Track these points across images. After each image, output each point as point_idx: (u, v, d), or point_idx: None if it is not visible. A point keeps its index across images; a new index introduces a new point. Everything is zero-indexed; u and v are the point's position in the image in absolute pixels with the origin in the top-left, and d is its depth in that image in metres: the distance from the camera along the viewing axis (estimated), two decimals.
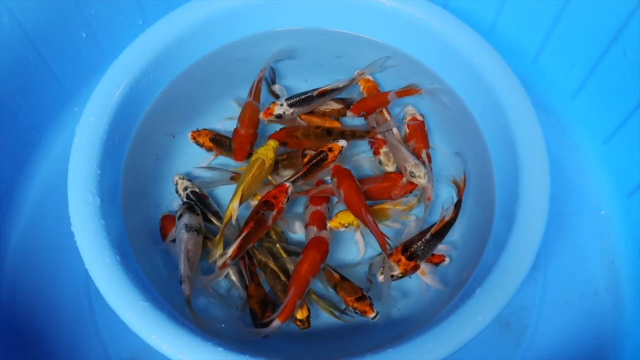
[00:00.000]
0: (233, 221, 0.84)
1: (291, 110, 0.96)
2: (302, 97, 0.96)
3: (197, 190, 0.93)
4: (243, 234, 0.81)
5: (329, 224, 0.90)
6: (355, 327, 0.81)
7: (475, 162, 0.94)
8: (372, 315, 0.81)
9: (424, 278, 0.87)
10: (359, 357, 0.68)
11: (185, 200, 0.92)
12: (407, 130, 0.98)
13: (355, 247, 0.93)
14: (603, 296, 0.95)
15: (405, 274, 0.84)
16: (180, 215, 0.87)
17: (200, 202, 0.92)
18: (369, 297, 0.83)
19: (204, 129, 0.98)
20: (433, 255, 0.88)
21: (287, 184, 0.86)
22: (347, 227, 0.90)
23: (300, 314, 0.82)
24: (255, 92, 0.96)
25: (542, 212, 0.77)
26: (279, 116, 0.96)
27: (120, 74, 0.85)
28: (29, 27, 0.93)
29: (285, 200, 0.85)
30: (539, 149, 0.81)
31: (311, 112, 1.00)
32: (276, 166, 0.94)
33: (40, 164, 1.02)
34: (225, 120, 1.01)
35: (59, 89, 1.04)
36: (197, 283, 0.82)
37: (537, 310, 0.93)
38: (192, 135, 0.98)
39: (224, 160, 0.99)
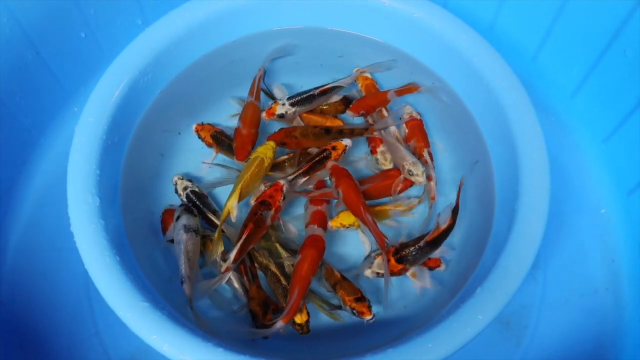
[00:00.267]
0: (233, 219, 0.84)
1: (293, 109, 0.96)
2: (304, 95, 0.96)
3: (197, 189, 0.93)
4: (243, 237, 0.81)
5: (330, 224, 0.90)
6: (356, 327, 0.81)
7: (474, 161, 0.94)
8: (369, 317, 0.81)
9: (414, 280, 0.87)
10: (359, 357, 0.68)
11: (185, 200, 0.92)
12: (407, 131, 0.97)
13: (360, 244, 0.93)
14: (603, 295, 0.95)
15: (391, 274, 0.84)
16: (178, 217, 0.87)
17: (200, 202, 0.92)
18: (368, 299, 0.83)
19: (208, 124, 0.99)
20: (429, 259, 0.88)
21: (282, 182, 0.86)
22: (347, 228, 0.90)
23: (300, 318, 0.81)
24: (256, 92, 0.96)
25: (542, 211, 0.77)
26: (281, 115, 0.96)
27: (119, 73, 0.85)
28: (29, 26, 0.93)
29: (282, 198, 0.85)
30: (539, 148, 0.81)
31: (310, 110, 1.00)
32: (282, 165, 0.95)
33: (40, 164, 1.02)
34: (231, 117, 1.01)
35: (59, 88, 1.03)
36: (199, 288, 0.81)
37: (537, 310, 0.93)
38: (196, 128, 0.98)
39: (223, 158, 0.99)
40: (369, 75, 1.02)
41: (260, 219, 0.83)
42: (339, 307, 0.84)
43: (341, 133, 0.94)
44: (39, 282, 0.93)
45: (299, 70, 1.04)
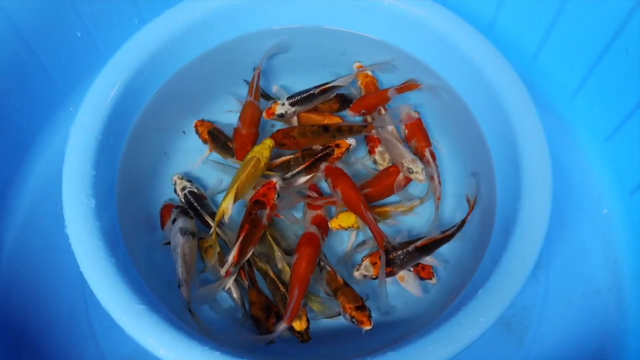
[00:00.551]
0: (226, 219, 0.83)
1: (293, 109, 0.95)
2: (304, 95, 0.96)
3: (196, 190, 0.92)
4: (240, 238, 0.80)
5: (330, 224, 0.89)
6: (356, 329, 0.80)
7: (475, 161, 0.93)
8: (368, 327, 0.79)
9: (403, 284, 0.87)
10: None
11: (183, 200, 0.92)
12: (406, 131, 0.96)
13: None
14: (605, 295, 0.94)
15: (377, 277, 0.83)
16: (175, 220, 0.86)
17: (198, 203, 0.91)
18: (369, 308, 0.81)
19: (208, 121, 0.99)
20: (423, 269, 0.87)
21: (274, 179, 0.86)
22: (347, 229, 0.89)
23: (299, 326, 0.80)
24: (255, 91, 0.95)
25: (544, 211, 0.76)
26: (281, 115, 0.95)
27: (115, 73, 0.84)
28: (23, 26, 0.92)
29: (276, 196, 0.84)
30: (541, 148, 0.80)
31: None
32: (288, 164, 0.94)
33: (35, 164, 1.01)
34: (227, 113, 1.01)
35: (54, 88, 1.03)
36: (201, 294, 0.81)
37: (539, 310, 0.92)
38: (195, 124, 0.98)
39: (217, 157, 0.98)
40: (369, 73, 1.01)
41: (256, 219, 0.82)
42: (338, 314, 0.83)
43: (340, 131, 0.93)
44: (35, 283, 0.92)
45: (299, 70, 1.03)
